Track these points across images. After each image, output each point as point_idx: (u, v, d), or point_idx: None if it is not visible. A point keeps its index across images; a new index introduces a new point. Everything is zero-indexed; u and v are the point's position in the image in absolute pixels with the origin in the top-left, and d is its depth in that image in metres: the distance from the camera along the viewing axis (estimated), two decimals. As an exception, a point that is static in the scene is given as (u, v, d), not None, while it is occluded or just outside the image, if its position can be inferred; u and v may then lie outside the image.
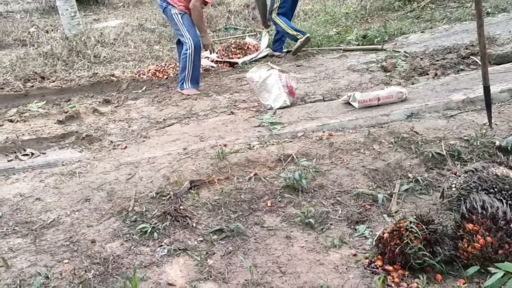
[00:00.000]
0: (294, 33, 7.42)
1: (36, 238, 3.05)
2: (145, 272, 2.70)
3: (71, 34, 8.63)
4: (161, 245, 2.94)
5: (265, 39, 7.76)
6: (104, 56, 7.91)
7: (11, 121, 5.28)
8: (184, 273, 2.69)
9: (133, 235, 3.04)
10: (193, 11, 5.62)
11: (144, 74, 6.84)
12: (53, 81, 6.68)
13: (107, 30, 9.61)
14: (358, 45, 7.41)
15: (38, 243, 3.00)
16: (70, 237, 3.04)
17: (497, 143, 3.66)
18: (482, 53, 3.86)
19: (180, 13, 5.67)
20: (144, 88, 6.22)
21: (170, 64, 7.23)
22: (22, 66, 7.48)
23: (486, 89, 3.88)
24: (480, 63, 5.17)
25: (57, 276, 2.68)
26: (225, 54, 7.46)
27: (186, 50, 5.69)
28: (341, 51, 7.18)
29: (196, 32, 5.76)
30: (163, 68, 7.06)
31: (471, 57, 5.79)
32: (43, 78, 6.81)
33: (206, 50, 6.07)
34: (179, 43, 6.13)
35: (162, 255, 2.85)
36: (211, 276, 2.66)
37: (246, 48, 7.54)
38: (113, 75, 6.75)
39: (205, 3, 5.72)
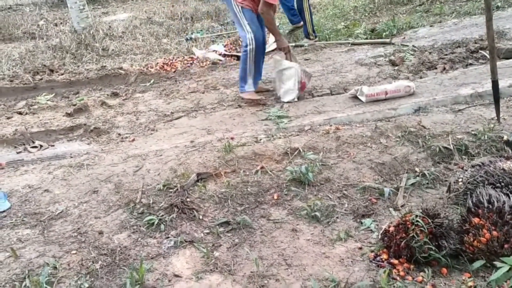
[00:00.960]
0: (311, 31, 7.47)
1: (45, 229, 3.08)
2: (152, 264, 2.72)
3: (80, 27, 8.66)
4: (168, 237, 2.96)
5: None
6: (113, 49, 7.93)
7: (20, 113, 5.32)
8: (190, 265, 2.71)
9: (140, 226, 3.06)
10: (263, 17, 4.91)
11: (152, 67, 6.85)
12: (62, 74, 6.72)
13: (116, 23, 9.63)
14: (366, 39, 7.38)
15: (46, 234, 3.03)
16: (78, 228, 3.07)
17: (505, 137, 3.64)
18: (491, 47, 3.84)
19: (240, 5, 4.89)
20: (152, 81, 6.23)
21: (178, 58, 7.24)
22: (31, 59, 7.52)
23: (495, 84, 3.86)
24: (488, 57, 5.14)
25: (65, 267, 2.71)
26: (233, 48, 7.46)
27: (246, 46, 4.91)
28: (349, 45, 7.16)
29: (258, 25, 4.96)
30: (171, 61, 7.08)
31: (480, 51, 5.76)
32: (52, 71, 6.85)
33: (284, 52, 5.12)
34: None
35: (168, 247, 2.87)
36: (217, 268, 2.67)
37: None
38: (121, 68, 6.77)
39: (270, 5, 4.87)
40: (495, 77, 3.84)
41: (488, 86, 4.27)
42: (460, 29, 7.03)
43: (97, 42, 8.16)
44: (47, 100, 5.69)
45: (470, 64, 5.50)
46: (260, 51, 4.99)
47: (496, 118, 3.95)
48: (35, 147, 4.39)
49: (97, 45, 8.00)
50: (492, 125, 3.84)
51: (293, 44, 7.57)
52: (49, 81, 6.42)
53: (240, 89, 5.14)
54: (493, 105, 3.98)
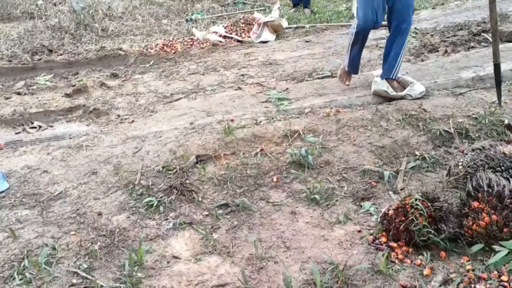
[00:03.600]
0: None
1: (43, 210, 3.08)
2: (151, 245, 2.72)
3: (79, 7, 8.59)
4: (167, 219, 2.96)
5: (275, 13, 7.71)
6: (112, 30, 7.87)
7: (18, 93, 5.28)
8: (189, 247, 2.72)
9: (139, 208, 3.06)
10: None
11: (152, 49, 6.81)
12: (61, 55, 6.67)
13: (115, 3, 9.52)
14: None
15: (45, 215, 3.02)
16: (77, 209, 3.07)
17: (506, 121, 3.64)
18: (494, 29, 3.80)
19: None
20: (151, 63, 6.19)
21: (178, 39, 7.19)
22: (30, 39, 7.46)
23: (497, 67, 3.83)
24: (491, 40, 5.10)
25: (64, 247, 2.71)
26: (234, 29, 7.40)
27: (353, 28, 4.41)
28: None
29: (368, 12, 4.22)
30: (171, 42, 7.03)
31: (482, 34, 5.72)
32: (50, 51, 6.80)
33: None
34: None
35: (167, 229, 2.87)
36: (216, 250, 2.68)
37: (254, 23, 7.49)
38: (120, 49, 6.72)
39: None
40: (497, 60, 3.81)
41: (489, 69, 4.26)
42: (463, 11, 6.98)
43: (97, 22, 8.09)
44: (46, 81, 5.65)
45: (472, 47, 5.47)
46: (359, 38, 4.37)
47: (497, 101, 3.93)
48: (34, 127, 4.37)
49: (96, 26, 7.93)
50: (493, 109, 3.82)
51: (294, 26, 7.52)
52: (48, 61, 6.37)
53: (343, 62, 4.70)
54: (495, 89, 3.96)
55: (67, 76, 5.87)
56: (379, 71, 4.54)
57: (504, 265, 2.36)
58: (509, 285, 2.24)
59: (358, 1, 4.31)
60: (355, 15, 4.33)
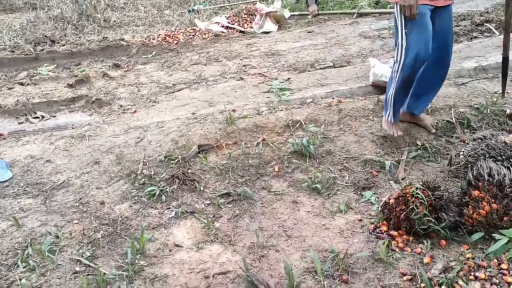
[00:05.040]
0: None
1: (47, 199, 3.10)
2: (153, 234, 2.74)
3: (81, -2, 8.60)
4: (169, 208, 2.97)
5: (277, 4, 7.69)
6: (114, 21, 7.88)
7: (21, 84, 5.30)
8: (191, 235, 2.73)
9: (141, 197, 3.07)
10: None
11: (154, 39, 6.82)
12: (63, 45, 6.69)
13: (117, -6, 9.54)
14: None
15: (48, 204, 3.05)
16: (80, 199, 3.09)
17: (508, 111, 3.63)
18: (507, 23, 3.76)
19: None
20: (154, 53, 6.20)
21: (180, 29, 7.19)
22: (32, 29, 7.47)
23: (505, 60, 3.80)
24: (494, 31, 5.09)
25: (67, 236, 2.73)
26: (236, 20, 7.40)
27: (394, 63, 3.35)
28: (354, 16, 7.09)
29: (421, 40, 3.13)
30: (173, 33, 7.04)
31: (485, 24, 5.70)
32: (53, 41, 6.82)
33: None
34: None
35: (169, 218, 2.88)
36: (217, 239, 2.69)
37: (257, 14, 7.48)
38: (123, 40, 6.73)
39: None
40: (506, 54, 3.78)
41: (492, 60, 4.25)
42: (466, 1, 6.95)
43: (99, 13, 8.10)
44: (49, 71, 5.67)
45: (475, 37, 5.45)
46: (409, 74, 3.26)
47: (500, 92, 3.92)
48: (37, 117, 4.39)
49: (98, 16, 7.94)
50: (495, 99, 3.82)
51: (298, 13, 7.51)
52: (51, 52, 6.40)
53: (384, 114, 3.59)
54: (497, 79, 3.95)
55: (69, 66, 5.89)
56: (375, 60, 4.54)
57: (504, 254, 2.37)
58: (509, 273, 2.25)
59: (407, 25, 3.15)
60: (399, 45, 3.25)
